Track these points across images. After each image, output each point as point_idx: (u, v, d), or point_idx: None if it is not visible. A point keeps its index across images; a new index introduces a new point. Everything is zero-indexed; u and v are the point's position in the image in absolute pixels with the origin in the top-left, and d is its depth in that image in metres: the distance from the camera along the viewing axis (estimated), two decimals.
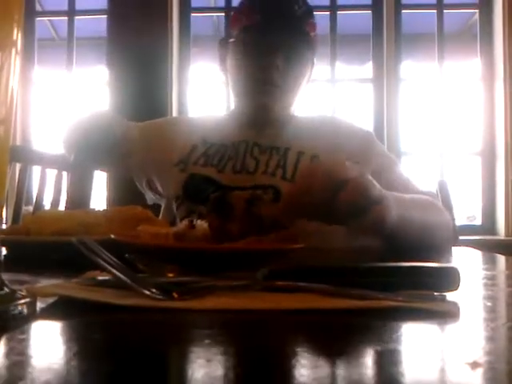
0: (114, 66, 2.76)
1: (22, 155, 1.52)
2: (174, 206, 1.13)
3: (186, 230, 0.56)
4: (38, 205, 1.53)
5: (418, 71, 3.00)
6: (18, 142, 2.85)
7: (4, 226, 1.41)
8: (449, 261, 0.81)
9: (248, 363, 0.26)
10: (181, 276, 0.46)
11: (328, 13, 2.86)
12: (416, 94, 2.94)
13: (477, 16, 2.89)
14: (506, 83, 2.71)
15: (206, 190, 1.08)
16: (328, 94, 2.86)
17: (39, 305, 0.36)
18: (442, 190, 1.51)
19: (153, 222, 0.75)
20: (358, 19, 3.02)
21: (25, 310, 0.34)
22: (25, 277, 0.52)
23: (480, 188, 2.82)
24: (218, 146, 1.16)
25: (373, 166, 1.08)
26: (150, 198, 1.25)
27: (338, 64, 2.88)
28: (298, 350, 0.29)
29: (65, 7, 2.95)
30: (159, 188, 1.21)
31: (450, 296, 0.40)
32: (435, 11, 2.87)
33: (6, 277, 0.36)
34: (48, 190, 1.56)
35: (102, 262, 0.40)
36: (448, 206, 1.36)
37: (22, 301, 0.34)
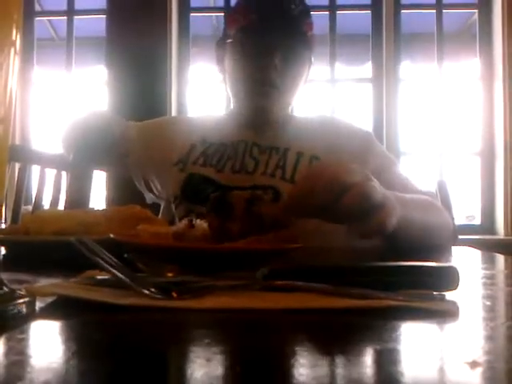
0: (113, 66, 2.76)
1: (22, 155, 1.52)
2: (173, 206, 1.13)
3: (185, 230, 0.56)
4: (37, 204, 1.53)
5: (417, 71, 3.00)
6: (18, 142, 2.85)
7: (3, 226, 1.41)
8: (448, 260, 0.81)
9: (247, 363, 0.26)
10: (180, 275, 0.46)
11: (327, 13, 2.86)
12: (415, 93, 2.95)
13: (476, 16, 2.89)
14: (505, 83, 2.71)
15: (205, 190, 1.08)
16: (327, 94, 2.86)
17: (38, 304, 0.36)
18: (442, 189, 1.51)
19: (152, 221, 0.75)
20: (357, 19, 3.02)
21: (24, 310, 0.34)
22: (24, 276, 0.52)
23: (479, 188, 2.82)
24: (217, 146, 1.16)
25: (372, 166, 1.08)
26: (149, 197, 1.25)
27: (338, 64, 2.88)
28: (298, 349, 0.29)
29: (64, 7, 2.95)
30: (158, 187, 1.21)
31: (449, 295, 0.40)
32: (434, 11, 2.87)
33: (5, 276, 0.36)
34: (47, 189, 1.56)
35: (102, 262, 0.40)
36: (447, 206, 1.36)
37: (21, 300, 0.34)
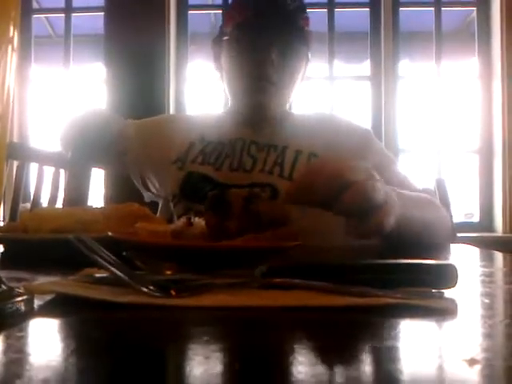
0: (111, 64, 2.75)
1: (20, 152, 1.52)
2: (172, 204, 1.13)
3: (183, 228, 0.56)
4: (36, 202, 1.53)
5: (415, 69, 3.00)
6: (16, 139, 2.84)
7: (1, 224, 1.41)
8: (447, 258, 0.81)
9: (246, 360, 0.26)
10: (178, 273, 0.46)
11: (326, 10, 2.85)
12: (414, 91, 2.95)
13: (474, 14, 2.89)
14: (504, 81, 2.71)
15: (204, 189, 1.08)
16: (326, 92, 2.85)
17: (37, 302, 0.36)
18: (440, 187, 1.51)
19: (150, 219, 0.75)
20: (355, 17, 3.01)
21: (22, 308, 0.34)
22: (22, 274, 0.52)
23: (478, 185, 2.83)
24: (215, 144, 1.15)
25: (371, 164, 1.07)
26: (148, 195, 1.25)
27: (336, 62, 2.87)
28: (296, 347, 0.29)
29: (61, 4, 2.94)
30: (156, 186, 1.21)
31: (447, 293, 0.40)
32: (433, 9, 2.87)
33: (3, 274, 0.36)
34: (45, 187, 1.56)
35: (100, 260, 0.40)
36: (446, 204, 1.36)
37: (20, 298, 0.34)
